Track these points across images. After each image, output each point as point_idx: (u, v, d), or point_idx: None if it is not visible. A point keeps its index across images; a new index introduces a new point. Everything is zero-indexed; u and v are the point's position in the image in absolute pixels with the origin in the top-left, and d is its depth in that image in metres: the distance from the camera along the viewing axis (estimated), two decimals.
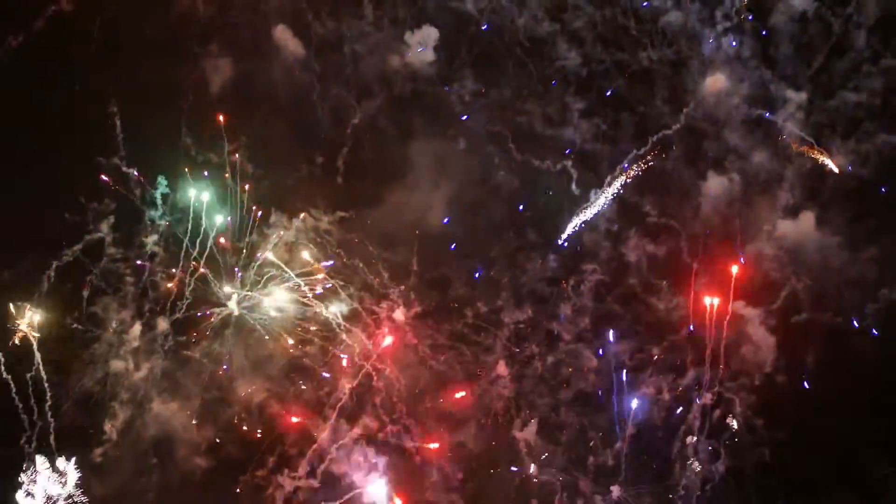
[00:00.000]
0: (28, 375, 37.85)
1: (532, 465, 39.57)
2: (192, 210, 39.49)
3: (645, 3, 39.50)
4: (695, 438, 38.87)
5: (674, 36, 39.47)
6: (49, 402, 38.08)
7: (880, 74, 38.83)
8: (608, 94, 39.78)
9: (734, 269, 38.98)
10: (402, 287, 40.37)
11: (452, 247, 41.34)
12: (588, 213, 39.99)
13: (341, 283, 39.91)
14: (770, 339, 38.71)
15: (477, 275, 41.39)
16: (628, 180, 39.97)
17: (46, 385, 38.14)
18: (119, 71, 39.43)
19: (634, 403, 39.28)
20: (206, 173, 39.86)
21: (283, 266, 39.65)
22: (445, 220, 40.61)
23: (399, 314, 40.10)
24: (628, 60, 39.70)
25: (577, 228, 40.22)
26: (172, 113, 39.85)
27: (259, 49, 40.77)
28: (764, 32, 39.41)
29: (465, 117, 40.81)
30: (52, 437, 38.05)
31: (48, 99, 38.87)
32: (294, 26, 40.73)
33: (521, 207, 40.95)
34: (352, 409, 39.32)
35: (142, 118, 39.34)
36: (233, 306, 39.91)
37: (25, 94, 38.66)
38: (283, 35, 40.60)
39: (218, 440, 39.57)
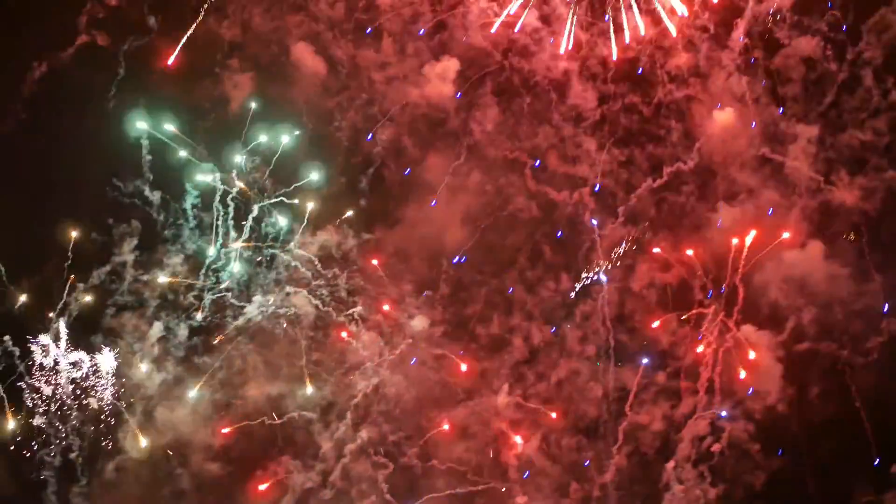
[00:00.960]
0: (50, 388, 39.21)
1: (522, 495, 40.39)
2: (215, 217, 40.50)
3: (639, 71, 40.14)
4: (679, 466, 39.59)
5: (683, 77, 40.06)
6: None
7: (888, 110, 39.42)
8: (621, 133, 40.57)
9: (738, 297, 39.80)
10: (429, 292, 41.26)
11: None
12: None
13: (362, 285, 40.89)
14: (771, 368, 39.26)
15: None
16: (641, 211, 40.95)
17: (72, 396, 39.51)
18: (144, 94, 40.16)
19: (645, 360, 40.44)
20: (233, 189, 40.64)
21: (300, 265, 40.67)
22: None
23: (418, 323, 40.88)
24: (639, 104, 40.37)
25: (588, 278, 41.02)
26: (192, 132, 40.61)
27: (279, 66, 41.35)
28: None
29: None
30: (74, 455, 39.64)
31: (74, 122, 39.84)
32: (314, 47, 41.26)
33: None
34: (359, 416, 40.23)
35: (163, 139, 40.18)
36: (252, 311, 40.71)
37: (51, 118, 39.88)
38: (302, 53, 41.09)
39: (230, 443, 40.22)
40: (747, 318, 39.64)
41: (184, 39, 39.84)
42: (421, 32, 40.66)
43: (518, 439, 40.21)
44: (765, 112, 40.06)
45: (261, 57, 41.50)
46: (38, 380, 39.02)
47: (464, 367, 40.55)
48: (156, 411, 40.12)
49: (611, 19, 39.42)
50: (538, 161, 41.11)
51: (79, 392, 39.49)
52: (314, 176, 40.82)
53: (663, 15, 39.23)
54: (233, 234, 40.68)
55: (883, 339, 38.99)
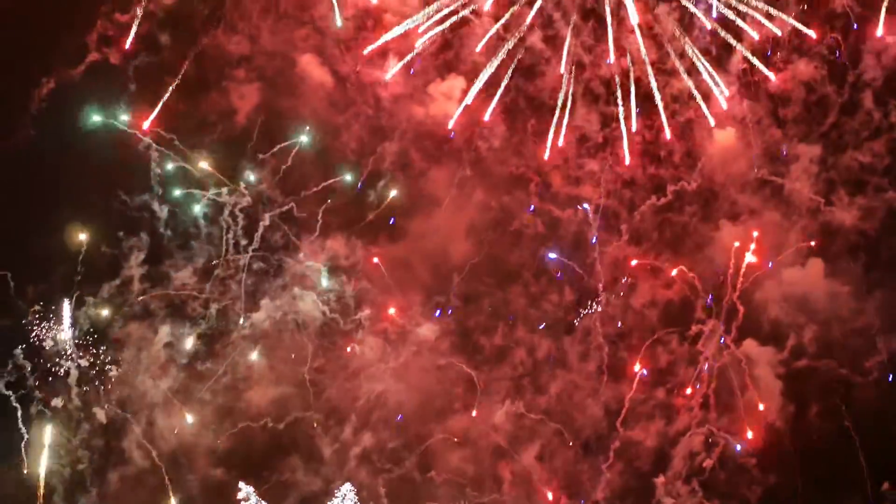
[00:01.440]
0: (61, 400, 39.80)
1: None
2: (224, 229, 40.93)
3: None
4: (670, 483, 40.22)
5: (685, 100, 40.19)
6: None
7: (889, 131, 39.86)
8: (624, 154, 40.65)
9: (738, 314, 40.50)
10: (440, 297, 41.73)
11: None
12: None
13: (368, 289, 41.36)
14: (770, 385, 40.01)
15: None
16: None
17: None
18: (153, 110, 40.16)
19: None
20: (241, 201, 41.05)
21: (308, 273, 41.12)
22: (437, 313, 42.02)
23: (424, 331, 41.46)
24: (641, 128, 40.44)
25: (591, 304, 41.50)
26: (200, 145, 40.87)
27: (285, 78, 41.42)
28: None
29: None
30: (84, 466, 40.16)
31: (84, 137, 39.96)
32: (321, 61, 41.28)
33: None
34: (360, 423, 40.94)
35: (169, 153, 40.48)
36: (259, 317, 41.12)
37: (60, 133, 40.04)
38: (309, 65, 41.13)
39: (234, 449, 40.87)
40: (748, 334, 40.39)
41: (190, 58, 40.15)
42: (412, 72, 40.89)
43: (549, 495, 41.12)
44: (766, 133, 40.60)
45: (267, 68, 41.56)
46: (47, 391, 39.57)
47: (474, 414, 41.37)
48: (161, 419, 40.67)
49: (624, 126, 40.13)
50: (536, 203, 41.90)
51: (87, 403, 40.06)
52: (322, 187, 41.28)
53: (703, 106, 39.79)
54: (243, 241, 41.15)
55: (881, 358, 39.66)
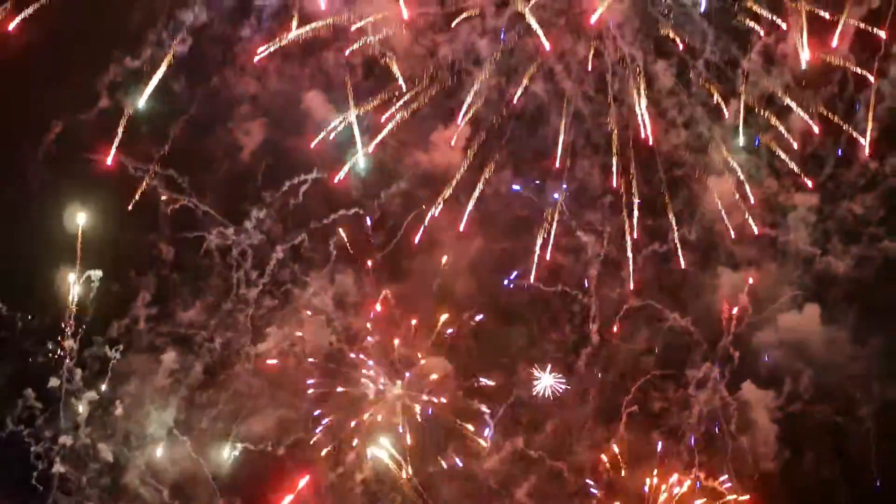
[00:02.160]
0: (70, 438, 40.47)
1: None
2: (234, 267, 41.54)
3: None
4: None
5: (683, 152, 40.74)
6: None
7: (885, 181, 40.52)
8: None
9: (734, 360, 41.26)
10: (451, 330, 42.21)
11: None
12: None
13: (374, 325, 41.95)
14: (765, 430, 40.78)
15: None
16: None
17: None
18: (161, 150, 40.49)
19: None
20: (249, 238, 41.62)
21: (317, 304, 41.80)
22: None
23: (428, 366, 41.92)
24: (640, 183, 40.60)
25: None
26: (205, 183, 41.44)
27: (291, 115, 41.75)
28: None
29: None
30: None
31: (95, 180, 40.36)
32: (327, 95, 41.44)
33: None
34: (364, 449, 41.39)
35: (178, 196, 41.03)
36: (263, 348, 41.75)
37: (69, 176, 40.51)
38: (314, 102, 41.40)
39: (238, 476, 41.47)
40: (745, 379, 41.14)
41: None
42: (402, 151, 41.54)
43: None
44: (763, 184, 41.05)
45: (273, 106, 41.89)
46: (56, 429, 40.21)
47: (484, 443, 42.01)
48: (165, 448, 41.30)
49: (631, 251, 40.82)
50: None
51: (94, 440, 40.73)
52: (331, 220, 41.85)
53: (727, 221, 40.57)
54: (253, 275, 41.73)
55: (876, 406, 40.29)
